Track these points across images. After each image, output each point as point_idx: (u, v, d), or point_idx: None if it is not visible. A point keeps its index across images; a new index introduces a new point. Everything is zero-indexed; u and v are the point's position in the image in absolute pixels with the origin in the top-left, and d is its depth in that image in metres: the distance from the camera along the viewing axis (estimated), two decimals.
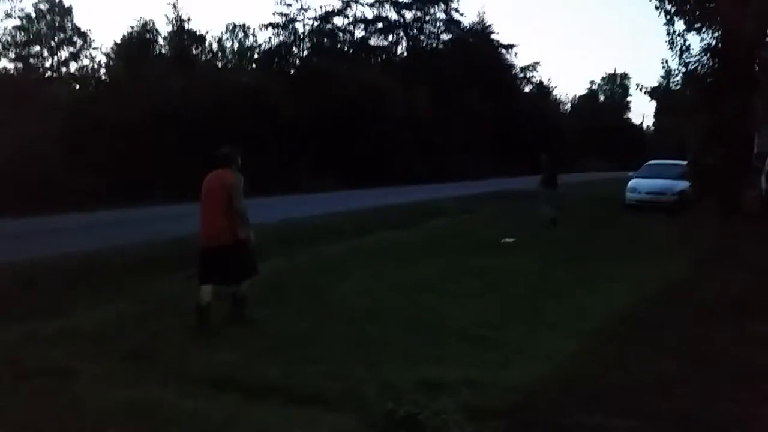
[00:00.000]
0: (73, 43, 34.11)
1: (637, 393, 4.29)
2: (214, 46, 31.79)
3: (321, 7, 37.44)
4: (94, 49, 29.44)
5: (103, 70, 28.33)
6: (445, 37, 45.83)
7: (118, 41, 29.41)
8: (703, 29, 16.53)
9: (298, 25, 35.04)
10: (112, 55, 29.38)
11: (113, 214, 14.52)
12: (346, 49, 39.88)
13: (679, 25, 16.71)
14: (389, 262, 9.12)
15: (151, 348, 5.08)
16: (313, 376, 4.44)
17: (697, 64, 16.57)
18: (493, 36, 48.44)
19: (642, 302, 7.03)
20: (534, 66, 54.74)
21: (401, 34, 44.80)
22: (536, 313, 6.44)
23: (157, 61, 27.52)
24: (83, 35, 32.99)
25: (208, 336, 5.46)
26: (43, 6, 33.61)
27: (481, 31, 47.35)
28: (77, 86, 26.13)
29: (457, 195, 21.60)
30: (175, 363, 4.75)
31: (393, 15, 43.48)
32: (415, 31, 45.09)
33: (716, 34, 16.13)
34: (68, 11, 34.40)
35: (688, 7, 16.43)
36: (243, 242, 5.75)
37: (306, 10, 34.97)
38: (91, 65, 28.88)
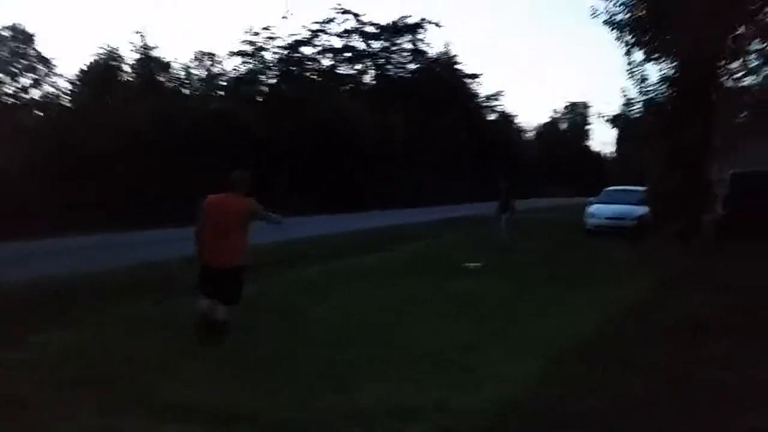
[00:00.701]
0: (36, 70, 33.62)
1: (606, 414, 4.33)
2: (182, 73, 31.62)
3: (289, 36, 37.49)
4: (57, 75, 29.05)
5: (67, 97, 27.86)
6: (412, 66, 46.55)
7: (84, 68, 29.08)
8: (661, 59, 17.20)
9: (267, 54, 35.20)
10: (77, 82, 28.99)
11: (80, 240, 14.23)
12: (314, 77, 40.14)
13: (638, 55, 17.38)
14: (362, 286, 9.11)
15: (117, 374, 4.96)
16: (284, 403, 4.38)
17: (655, 93, 17.18)
18: (458, 66, 49.46)
19: (607, 324, 7.14)
20: (498, 95, 55.93)
21: (369, 63, 45.38)
22: (506, 335, 6.49)
23: (122, 87, 27.27)
24: (46, 62, 32.55)
25: (177, 361, 5.34)
26: (5, 32, 33.13)
27: (447, 62, 48.24)
28: (41, 113, 25.70)
29: (428, 219, 21.76)
30: (140, 390, 4.63)
31: (361, 45, 44.10)
32: (382, 60, 45.71)
33: (673, 64, 16.78)
34: (31, 38, 33.98)
35: (646, 38, 17.07)
36: (245, 268, 5.97)
37: (274, 39, 35.16)
38: (55, 92, 28.41)
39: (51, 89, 28.23)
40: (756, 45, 16.90)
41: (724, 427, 4.24)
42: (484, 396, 4.63)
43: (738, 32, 16.50)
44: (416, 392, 4.64)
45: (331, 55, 42.85)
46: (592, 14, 17.35)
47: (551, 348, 6.00)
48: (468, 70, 50.79)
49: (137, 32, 33.85)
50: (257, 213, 6.01)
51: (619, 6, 17.01)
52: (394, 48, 45.52)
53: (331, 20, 41.54)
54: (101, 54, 28.36)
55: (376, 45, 44.91)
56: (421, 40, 45.74)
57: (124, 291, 8.11)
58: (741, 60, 17.21)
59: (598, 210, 18.82)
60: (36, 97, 27.85)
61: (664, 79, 17.04)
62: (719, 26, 14.51)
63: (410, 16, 45.07)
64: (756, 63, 17.01)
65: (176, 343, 5.86)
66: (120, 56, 28.71)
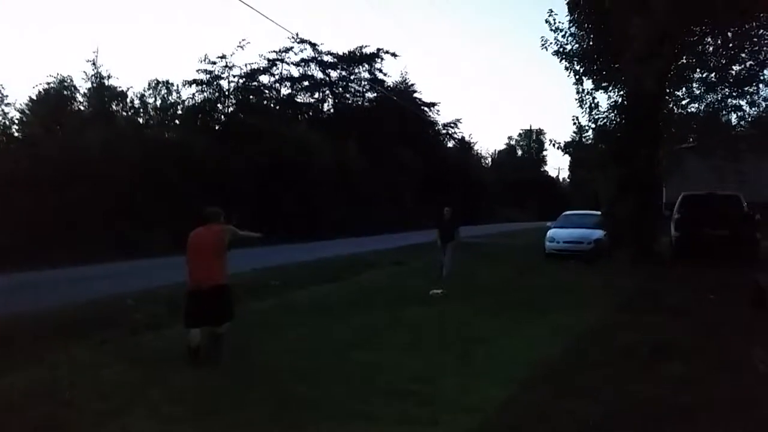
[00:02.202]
0: None
1: None
2: (136, 102, 31.10)
3: (246, 65, 37.36)
4: (6, 105, 28.23)
5: (15, 126, 27.08)
6: (369, 95, 46.96)
7: (34, 97, 28.36)
8: (610, 88, 17.75)
9: (223, 82, 34.97)
10: (27, 111, 28.22)
11: (26, 276, 13.67)
12: (272, 105, 40.04)
13: (588, 84, 17.88)
14: (318, 318, 8.95)
15: (63, 419, 4.72)
16: None
17: (605, 120, 17.66)
18: (415, 95, 50.09)
19: (566, 349, 7.18)
20: (455, 123, 56.75)
21: (327, 92, 45.58)
22: (464, 364, 6.45)
23: (74, 117, 26.66)
24: None
25: (125, 403, 5.12)
26: None
27: (404, 90, 48.83)
28: None
29: (386, 247, 21.70)
30: None
31: (319, 74, 44.29)
32: (340, 89, 45.99)
33: (621, 93, 17.32)
34: None
35: (595, 67, 17.61)
36: (229, 287, 6.66)
37: (231, 68, 34.99)
38: (3, 121, 27.59)
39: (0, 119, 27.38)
40: (699, 74, 17.61)
41: None
42: (442, 428, 4.56)
43: (681, 61, 17.17)
44: (373, 427, 4.55)
45: (289, 83, 42.93)
46: (543, 45, 17.79)
47: (511, 375, 5.98)
48: (426, 99, 51.54)
49: (90, 61, 33.37)
50: (234, 235, 6.76)
51: (568, 37, 17.55)
52: (351, 77, 45.91)
53: (288, 49, 41.69)
54: (52, 83, 27.75)
55: (334, 74, 45.24)
56: (379, 69, 46.31)
57: (71, 330, 7.75)
58: (685, 88, 17.89)
59: (557, 234, 19.14)
60: None
61: (613, 107, 17.56)
62: (663, 56, 15.07)
63: (367, 46, 45.61)
64: (699, 91, 17.69)
65: (123, 384, 5.63)
66: (72, 85, 28.14)
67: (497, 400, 5.24)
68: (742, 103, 17.03)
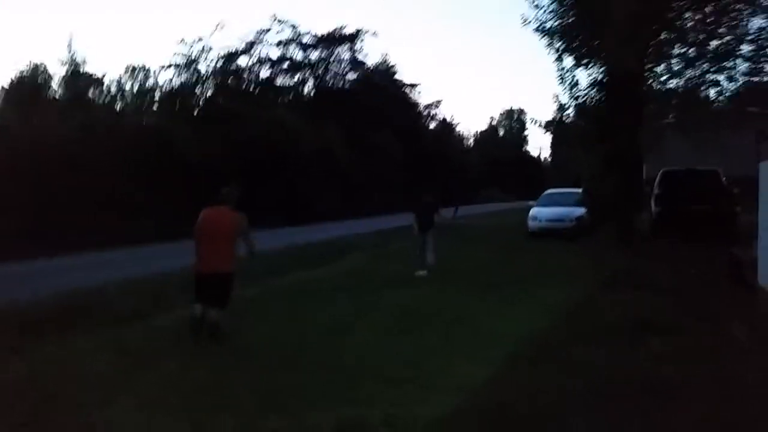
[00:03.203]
0: None
1: (551, 419, 4.36)
2: (113, 88, 30.63)
3: (224, 48, 36.81)
4: None
5: None
6: (351, 76, 46.63)
7: (5, 86, 27.82)
8: (590, 65, 17.75)
9: (201, 66, 34.47)
10: (0, 99, 27.69)
11: (3, 268, 13.42)
12: (251, 89, 39.59)
13: (568, 61, 17.86)
14: (303, 303, 8.94)
15: (47, 411, 4.65)
16: (226, 430, 4.21)
17: (586, 97, 17.68)
18: (396, 76, 49.88)
19: (551, 326, 7.24)
20: (437, 104, 56.78)
21: (308, 73, 45.17)
22: (451, 344, 6.49)
23: (50, 104, 26.21)
24: None
25: (111, 393, 5.07)
26: None
27: (385, 71, 48.56)
28: None
29: (370, 230, 21.71)
30: (73, 426, 4.38)
31: (299, 55, 43.83)
32: (321, 71, 45.59)
33: (602, 70, 17.33)
34: None
35: (575, 44, 17.58)
36: (232, 275, 6.75)
37: (208, 51, 34.48)
38: None
39: None
40: (678, 49, 17.67)
41: (669, 422, 4.31)
42: (429, 408, 4.59)
43: (661, 37, 17.20)
44: (362, 408, 4.55)
45: (268, 65, 42.45)
46: (523, 22, 17.73)
47: (495, 353, 6.04)
48: (407, 80, 51.34)
49: (66, 47, 32.79)
50: (242, 230, 6.79)
51: (549, 14, 17.50)
52: (332, 58, 45.51)
53: (267, 30, 41.16)
54: (26, 70, 27.25)
55: (314, 55, 44.80)
56: (359, 50, 45.95)
57: (50, 322, 7.63)
58: (665, 64, 17.96)
59: (539, 213, 19.25)
60: None
61: (593, 84, 17.59)
62: (642, 32, 15.08)
63: (347, 26, 45.23)
64: (679, 67, 17.76)
65: (109, 375, 5.58)
66: (47, 71, 27.65)
67: (483, 378, 5.28)
68: (721, 78, 17.13)
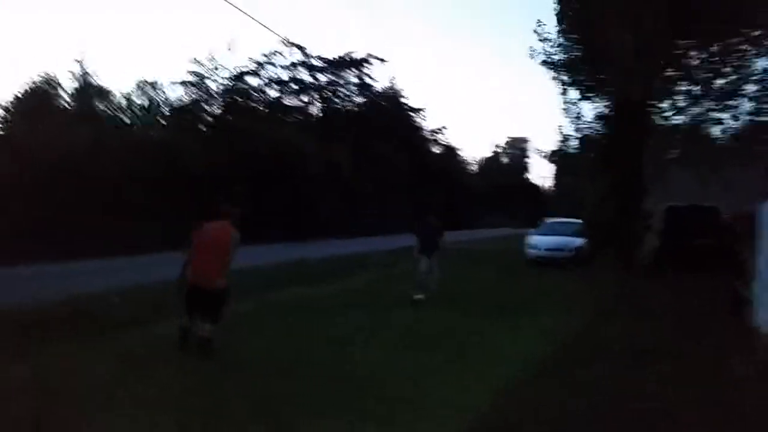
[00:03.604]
0: None
1: None
2: (122, 101, 30.90)
3: (234, 67, 37.21)
4: None
5: None
6: (358, 99, 47.00)
7: (18, 95, 28.05)
8: (595, 98, 18.01)
9: (211, 84, 34.83)
10: (11, 109, 27.92)
11: (10, 272, 13.44)
12: (260, 107, 39.93)
13: (574, 94, 18.13)
14: (303, 318, 8.96)
15: (45, 415, 4.67)
16: None
17: (590, 130, 17.90)
18: (402, 100, 50.27)
19: (552, 351, 7.27)
20: (441, 129, 56.95)
21: (315, 95, 45.54)
22: (453, 365, 6.51)
23: (59, 116, 26.43)
24: None
25: (107, 405, 5.08)
26: None
27: (392, 95, 48.98)
28: None
29: (372, 250, 21.73)
30: None
31: (307, 78, 44.25)
32: (329, 93, 45.97)
33: (607, 103, 17.57)
34: None
35: (581, 78, 17.86)
36: (225, 290, 6.75)
37: (219, 70, 34.86)
38: None
39: None
40: (683, 86, 17.91)
41: None
42: (427, 428, 4.60)
43: (666, 74, 17.46)
44: (358, 427, 4.56)
45: (277, 86, 42.83)
46: (530, 54, 18.00)
47: (496, 376, 6.05)
48: (413, 105, 51.70)
49: (76, 60, 33.12)
50: (233, 247, 6.80)
51: (556, 47, 17.79)
52: (340, 81, 45.92)
53: (277, 53, 41.64)
54: (37, 81, 27.51)
55: (323, 78, 45.19)
56: (367, 74, 46.40)
57: (51, 327, 7.66)
58: (670, 100, 18.19)
59: (539, 241, 19.32)
60: None
61: (598, 117, 17.83)
62: (648, 68, 15.33)
63: (356, 52, 45.71)
64: (684, 104, 17.98)
65: (108, 380, 5.61)
66: (57, 83, 27.91)
67: (485, 400, 5.29)
68: (725, 116, 17.35)
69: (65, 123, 24.36)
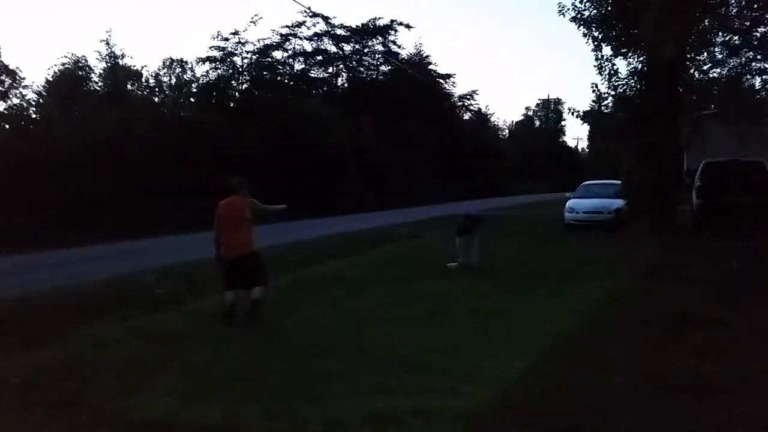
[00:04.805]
0: (1, 82, 32.75)
1: (588, 413, 4.25)
2: (151, 81, 31.04)
3: (259, 41, 37.05)
4: (24, 87, 28.29)
5: (33, 108, 27.18)
6: (384, 68, 46.50)
7: (50, 78, 28.42)
8: (629, 54, 17.31)
9: (237, 59, 34.75)
10: (44, 93, 28.33)
11: (45, 256, 13.84)
12: (286, 81, 39.83)
13: (607, 50, 17.46)
14: (335, 292, 8.95)
15: (82, 394, 4.75)
16: (255, 416, 4.23)
17: (625, 87, 17.28)
18: (430, 66, 49.47)
19: (587, 319, 7.10)
20: (471, 94, 55.95)
21: (341, 66, 45.20)
22: (484, 336, 6.41)
23: (90, 96, 26.73)
24: (12, 73, 31.86)
25: (144, 378, 5.15)
26: None
27: (419, 62, 48.24)
28: (7, 126, 25.08)
29: (402, 221, 21.66)
30: (107, 410, 4.44)
31: (332, 48, 43.90)
32: (354, 63, 45.59)
33: (641, 58, 16.90)
34: None
35: (614, 33, 17.18)
36: (259, 253, 7.21)
37: (244, 44, 34.75)
38: (20, 103, 27.67)
39: (17, 101, 27.51)
40: (721, 37, 17.13)
41: (709, 416, 4.17)
42: (462, 400, 4.52)
43: (703, 25, 16.70)
44: (393, 399, 4.52)
45: (302, 59, 42.65)
46: (560, 11, 17.38)
47: (531, 347, 5.94)
48: (441, 71, 50.85)
49: (103, 41, 33.36)
50: (257, 207, 7.30)
51: (586, 2, 17.11)
52: (365, 50, 45.46)
53: (301, 24, 41.34)
54: (67, 63, 27.79)
55: (348, 48, 44.82)
56: (393, 41, 45.80)
57: (91, 308, 7.82)
58: (706, 52, 17.43)
59: (577, 204, 18.93)
60: (1, 110, 27.11)
61: (632, 73, 17.17)
62: (684, 19, 14.63)
63: (381, 18, 45.05)
64: (721, 55, 17.23)
65: (143, 360, 5.67)
66: (87, 65, 28.14)
67: (517, 371, 5.20)
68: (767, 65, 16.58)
69: (96, 104, 24.64)
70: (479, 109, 59.32)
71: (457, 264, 11.11)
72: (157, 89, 30.68)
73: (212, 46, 34.14)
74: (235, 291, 7.02)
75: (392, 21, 44.88)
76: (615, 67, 17.18)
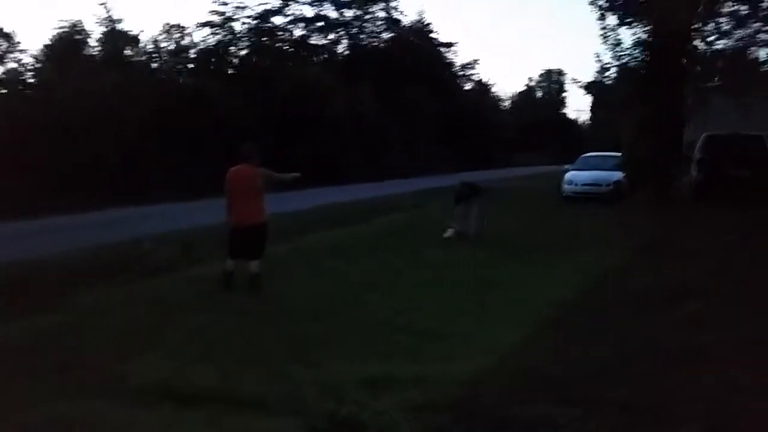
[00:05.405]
0: None
1: (582, 382, 4.29)
2: (149, 46, 30.70)
3: (259, 5, 36.51)
4: (21, 51, 27.95)
5: (30, 73, 26.91)
6: (385, 35, 45.90)
7: (47, 43, 28.09)
8: (635, 23, 17.10)
9: (236, 24, 34.31)
10: (41, 57, 28.02)
11: (42, 222, 13.81)
12: (286, 47, 39.34)
13: (612, 19, 17.23)
14: (334, 261, 8.96)
15: (83, 359, 4.78)
16: (252, 381, 4.26)
17: (629, 58, 17.10)
18: (432, 35, 48.87)
19: (583, 291, 7.14)
20: (473, 64, 55.36)
21: (342, 32, 44.60)
22: (481, 305, 6.43)
23: (87, 61, 26.46)
24: (8, 37, 31.44)
25: (142, 344, 5.18)
26: None
27: (421, 30, 47.63)
28: (4, 90, 24.87)
29: (401, 192, 21.63)
30: (107, 373, 4.48)
31: (333, 14, 43.26)
32: (355, 29, 44.97)
33: (647, 28, 16.68)
34: None
35: (619, 2, 16.93)
36: (266, 225, 7.12)
37: (243, 9, 34.27)
38: (17, 68, 27.38)
39: (14, 65, 27.23)
40: (728, 7, 16.90)
41: (700, 385, 4.22)
42: (459, 367, 4.56)
43: None
44: (390, 364, 4.55)
45: (302, 24, 42.02)
46: None
47: (527, 317, 5.97)
48: (442, 39, 50.24)
49: (101, 4, 32.90)
50: (270, 177, 7.22)
51: None
52: (367, 16, 44.78)
53: None
54: (65, 28, 27.43)
55: (349, 13, 44.12)
56: (395, 8, 45.10)
57: (91, 273, 7.84)
58: (713, 22, 17.20)
59: (575, 177, 18.85)
60: None
61: (637, 44, 16.98)
62: None
63: None
64: (728, 26, 17.01)
65: (141, 325, 5.69)
66: (84, 30, 27.79)
67: (513, 340, 5.23)
68: None
69: (94, 70, 24.42)
70: (480, 80, 58.81)
71: (452, 231, 11.09)
72: (155, 55, 30.38)
73: (211, 11, 33.73)
74: (237, 260, 6.99)
75: None
76: (619, 37, 17.00)
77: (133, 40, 29.44)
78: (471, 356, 4.79)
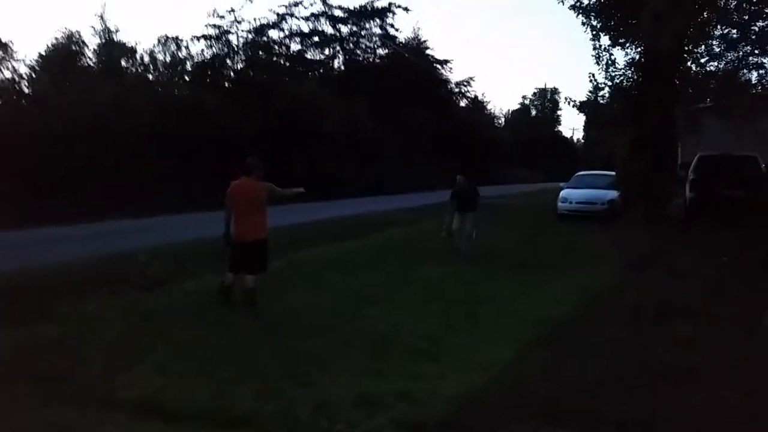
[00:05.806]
0: None
1: (574, 400, 4.30)
2: (146, 58, 30.73)
3: (255, 19, 36.65)
4: (16, 60, 27.92)
5: (25, 82, 26.88)
6: (381, 51, 46.18)
7: (43, 53, 28.07)
8: (627, 44, 17.30)
9: (232, 38, 34.38)
10: (36, 67, 28.01)
11: (35, 232, 13.74)
12: (282, 62, 39.49)
13: (605, 40, 17.44)
14: (328, 276, 8.97)
15: (69, 371, 4.76)
16: (244, 398, 4.25)
17: (622, 78, 17.27)
18: (428, 51, 49.15)
19: (576, 308, 7.15)
20: (468, 81, 55.59)
21: (338, 48, 44.85)
22: (474, 322, 6.44)
23: (83, 72, 26.45)
24: (4, 46, 31.46)
25: (133, 357, 5.16)
26: None
27: (417, 47, 47.92)
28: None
29: (396, 207, 21.64)
30: (94, 386, 4.46)
31: (329, 29, 43.52)
32: (351, 45, 45.23)
33: (639, 49, 16.88)
34: None
35: (612, 22, 17.13)
36: (267, 241, 7.06)
37: (240, 23, 34.37)
38: (12, 77, 27.34)
39: (9, 75, 27.19)
40: (719, 30, 17.11)
41: (689, 406, 4.23)
42: (449, 385, 4.56)
43: (702, 17, 16.66)
44: (381, 383, 4.55)
45: (299, 39, 42.26)
46: None
47: (519, 334, 5.97)
48: (438, 56, 50.51)
49: (98, 15, 32.95)
50: (273, 192, 7.07)
51: None
52: (362, 32, 45.07)
53: (298, 3, 40.91)
54: (61, 38, 27.44)
55: (345, 29, 44.40)
56: (391, 24, 45.40)
57: (81, 285, 7.80)
58: (704, 45, 17.42)
59: (570, 194, 18.95)
60: None
61: (630, 64, 17.16)
62: (683, 11, 14.60)
63: (378, 0, 44.61)
64: (719, 49, 17.22)
65: (132, 339, 5.68)
66: (81, 40, 27.81)
67: (505, 357, 5.24)
68: (765, 60, 16.60)
69: (90, 80, 24.40)
70: (475, 97, 59.10)
71: (445, 233, 11.16)
72: (151, 66, 30.41)
73: (208, 24, 33.84)
74: (237, 274, 6.92)
75: (390, 3, 44.42)
76: (612, 57, 17.19)
77: (130, 51, 29.50)
78: (462, 374, 4.80)
